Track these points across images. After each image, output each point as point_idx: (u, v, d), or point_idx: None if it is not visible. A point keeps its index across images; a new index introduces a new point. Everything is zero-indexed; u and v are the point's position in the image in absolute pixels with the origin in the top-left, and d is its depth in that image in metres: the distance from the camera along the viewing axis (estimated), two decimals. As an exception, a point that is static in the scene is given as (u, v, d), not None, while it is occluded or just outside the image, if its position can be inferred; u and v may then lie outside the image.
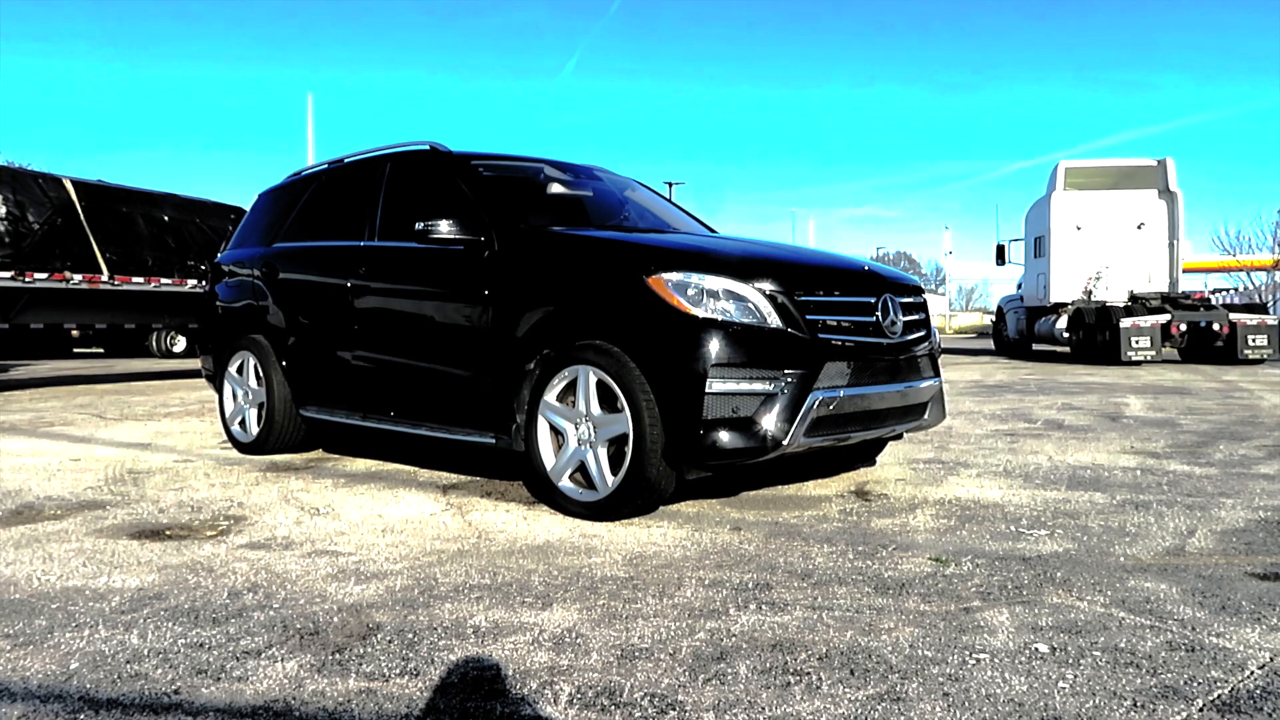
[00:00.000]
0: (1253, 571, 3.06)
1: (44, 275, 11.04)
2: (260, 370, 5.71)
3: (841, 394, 3.83)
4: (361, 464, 5.42)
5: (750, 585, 2.94)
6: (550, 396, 4.03)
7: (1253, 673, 2.21)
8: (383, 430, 5.01)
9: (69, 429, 7.35)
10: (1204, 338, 16.39)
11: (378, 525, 3.84)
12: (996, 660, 2.29)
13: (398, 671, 2.26)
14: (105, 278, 11.84)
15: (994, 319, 25.37)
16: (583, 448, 3.93)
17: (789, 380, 3.69)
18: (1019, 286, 23.69)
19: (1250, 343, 15.99)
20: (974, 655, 2.33)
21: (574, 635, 2.50)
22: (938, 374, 4.49)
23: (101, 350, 23.18)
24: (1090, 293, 18.37)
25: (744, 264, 3.90)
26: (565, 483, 4.00)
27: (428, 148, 5.10)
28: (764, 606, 2.73)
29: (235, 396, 5.98)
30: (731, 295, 3.73)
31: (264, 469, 5.30)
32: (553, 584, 2.97)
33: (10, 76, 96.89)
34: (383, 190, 5.18)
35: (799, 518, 3.92)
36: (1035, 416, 7.79)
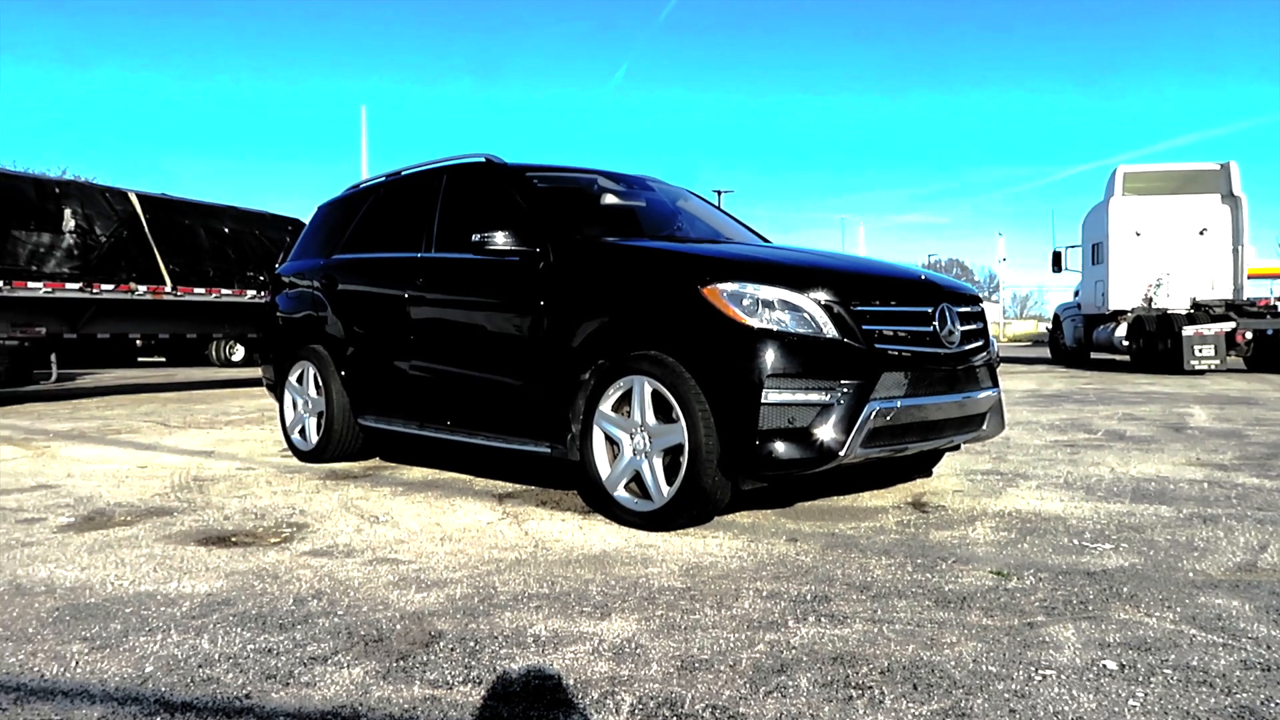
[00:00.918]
0: (1329, 588, 2.97)
1: (110, 286, 11.35)
2: (320, 380, 5.82)
3: (899, 405, 3.79)
4: (418, 472, 5.49)
5: (809, 597, 2.93)
6: (605, 406, 4.05)
7: (1332, 693, 2.15)
8: (439, 439, 5.07)
9: (135, 436, 7.54)
10: (1271, 346, 15.94)
11: (436, 533, 3.89)
12: (1063, 677, 2.26)
13: (460, 679, 2.29)
14: (168, 289, 12.14)
15: (1050, 327, 24.96)
16: (638, 458, 3.94)
17: (845, 391, 3.67)
18: (1076, 294, 23.26)
19: (1319, 351, 15.52)
20: (1040, 671, 2.29)
21: (633, 645, 2.51)
22: (996, 384, 4.43)
23: (164, 359, 23.76)
24: (1151, 300, 17.98)
25: (799, 273, 3.89)
26: (620, 492, 4.01)
27: (483, 160, 5.17)
28: (823, 619, 2.72)
29: (295, 405, 6.10)
30: (787, 305, 3.72)
31: (323, 477, 5.39)
32: (611, 594, 2.99)
33: (77, 91, 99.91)
34: (439, 202, 5.26)
35: (855, 529, 3.89)
36: (1095, 427, 7.64)
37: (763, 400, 3.59)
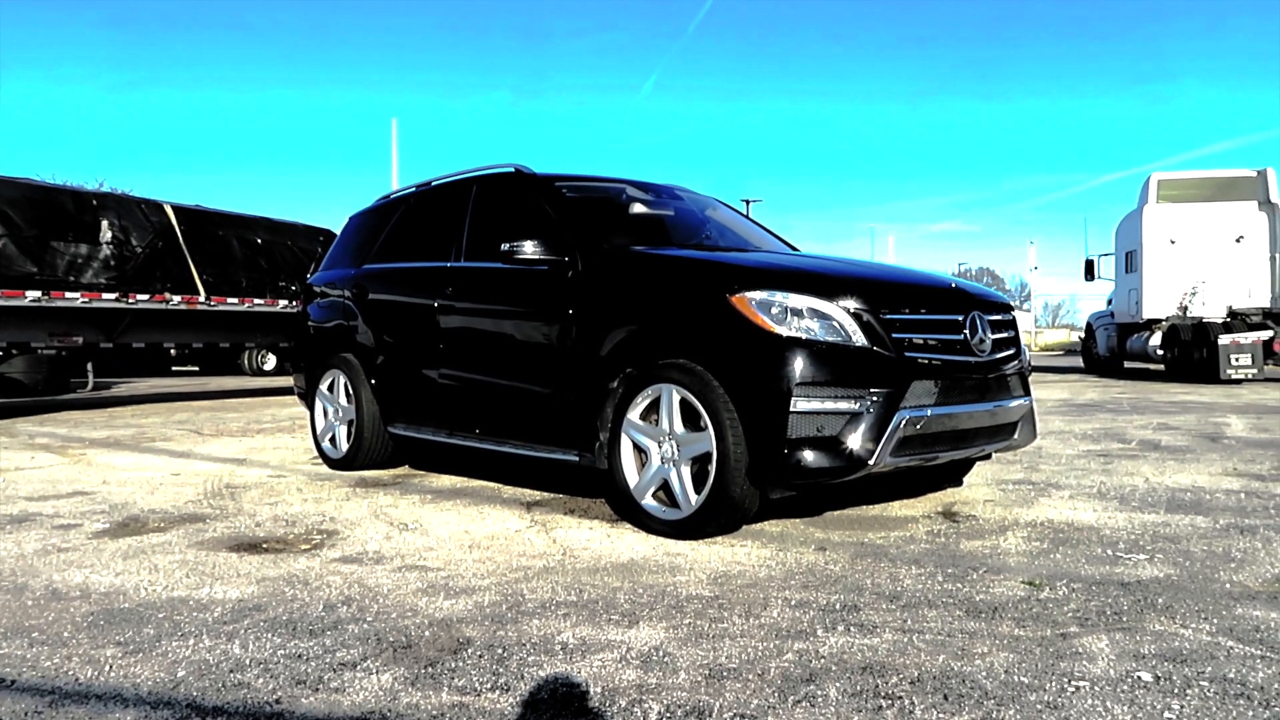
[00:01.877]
0: (1371, 601, 2.91)
1: (145, 296, 11.51)
2: (350, 388, 5.87)
3: (929, 413, 3.77)
4: (447, 480, 5.51)
5: (838, 606, 2.91)
6: (634, 415, 4.05)
7: (1375, 708, 2.10)
8: (467, 447, 5.09)
9: (169, 444, 7.64)
10: (1309, 355, 15.67)
11: (464, 541, 3.90)
12: (1097, 688, 2.22)
13: (489, 686, 2.29)
14: (202, 298, 12.29)
15: (1083, 336, 24.68)
16: (666, 466, 3.94)
17: (875, 399, 3.65)
18: (1109, 303, 22.98)
19: (1360, 360, 15.24)
20: (1073, 683, 2.26)
21: (661, 654, 2.50)
22: (1028, 393, 4.39)
23: (196, 368, 24.06)
24: (1186, 309, 17.72)
25: (828, 282, 3.88)
26: (648, 501, 4.01)
27: (512, 170, 5.20)
28: (852, 628, 2.70)
29: (326, 414, 6.15)
30: (816, 314, 3.71)
31: (353, 484, 5.43)
32: (638, 602, 2.98)
33: (115, 106, 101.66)
34: (469, 212, 5.30)
35: (885, 538, 3.86)
36: (1129, 436, 7.54)
37: (791, 408, 3.57)
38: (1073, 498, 4.75)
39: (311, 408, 6.33)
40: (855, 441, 3.62)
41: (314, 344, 6.40)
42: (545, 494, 4.98)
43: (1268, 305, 17.36)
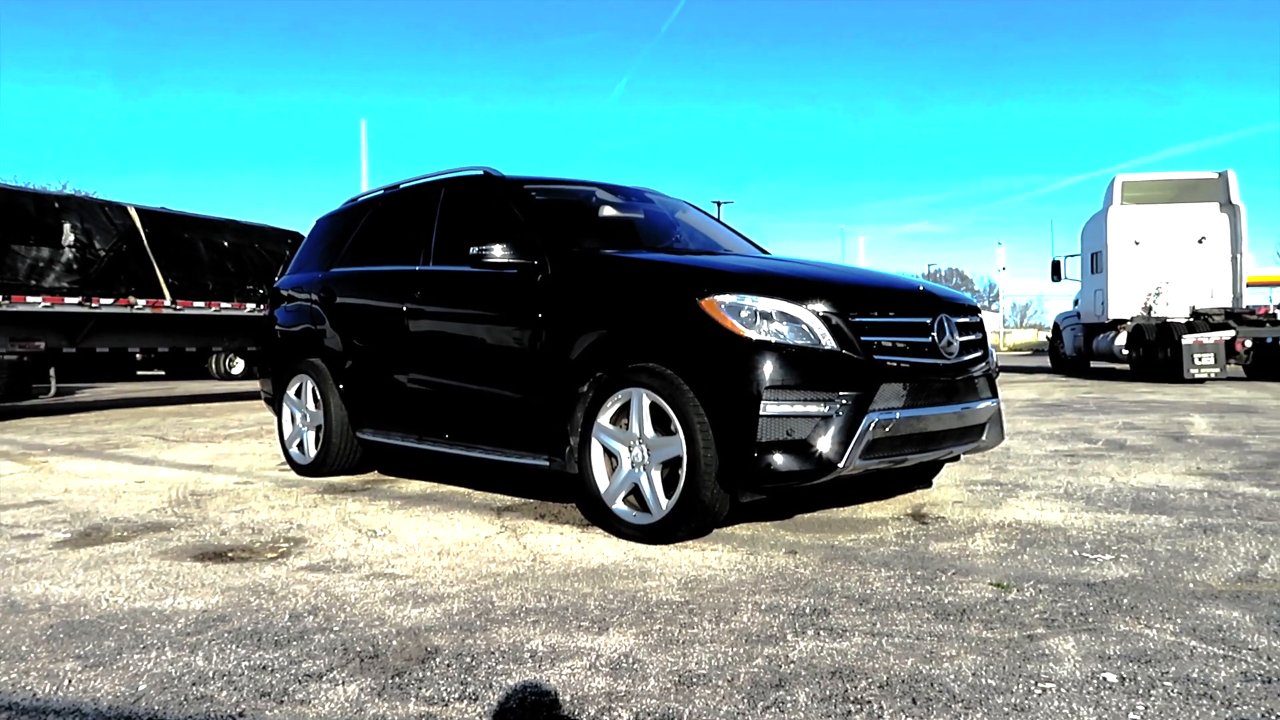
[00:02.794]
0: (1330, 599, 2.95)
1: (109, 300, 11.35)
2: (318, 393, 5.81)
3: (898, 416, 3.78)
4: (416, 486, 5.47)
5: (807, 610, 2.91)
6: (604, 419, 4.04)
7: (1334, 706, 2.13)
8: (437, 453, 5.06)
9: (133, 450, 7.53)
10: (1270, 354, 15.94)
11: (434, 547, 3.87)
12: (1063, 690, 2.24)
13: (457, 696, 2.27)
14: (167, 302, 12.14)
15: (1050, 336, 24.95)
16: (636, 470, 3.93)
17: (844, 402, 3.66)
18: (1076, 303, 23.26)
19: (1320, 359, 15.51)
20: (1039, 685, 2.28)
21: (631, 661, 2.49)
22: (995, 395, 4.42)
23: (163, 372, 23.74)
24: (1150, 309, 17.98)
25: (797, 285, 3.89)
26: (619, 505, 4.00)
27: (481, 173, 5.17)
28: (822, 632, 2.70)
29: (294, 419, 6.09)
30: (785, 317, 3.71)
31: (321, 491, 5.37)
32: (608, 608, 2.97)
33: (76, 107, 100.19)
34: (437, 215, 5.26)
35: (855, 541, 3.88)
36: (1095, 436, 7.63)
37: (761, 412, 3.58)
38: (1040, 498, 4.79)
39: (279, 413, 6.26)
40: (825, 444, 3.63)
41: (281, 348, 6.33)
42: (516, 499, 4.96)
43: (1229, 305, 17.64)
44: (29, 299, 10.51)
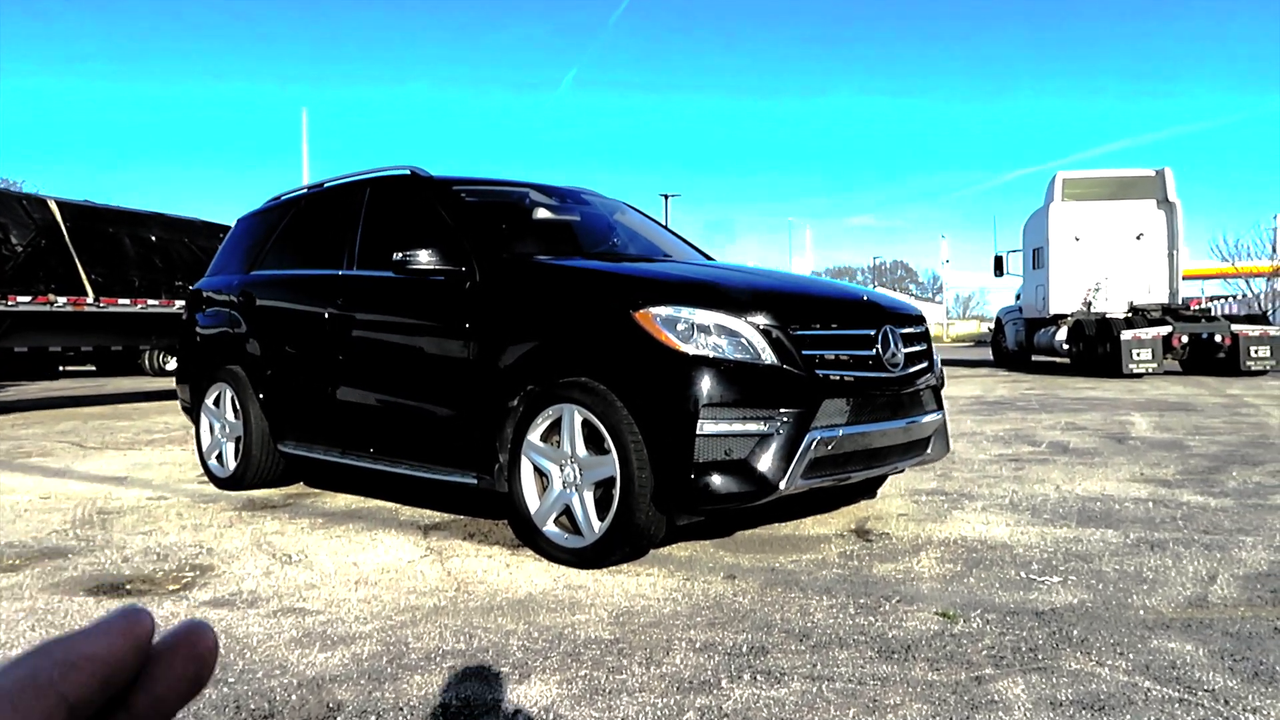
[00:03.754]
0: (1283, 627, 2.85)
1: (27, 299, 10.83)
2: (237, 403, 5.51)
3: (840, 433, 3.62)
4: (342, 500, 5.21)
5: (745, 649, 2.74)
6: (534, 436, 3.83)
7: (1297, 761, 2.00)
8: (361, 468, 4.80)
9: (46, 460, 7.13)
10: (1206, 349, 16.19)
11: (351, 575, 3.63)
12: (1014, 746, 2.09)
13: (355, 766, 2.05)
14: (90, 300, 11.63)
15: (993, 330, 25.20)
16: (568, 490, 3.73)
17: (785, 420, 3.49)
18: (1018, 298, 23.52)
19: (1253, 354, 15.79)
20: (989, 740, 2.12)
21: (551, 717, 2.29)
22: (941, 407, 4.29)
23: (94, 368, 22.94)
24: (1090, 304, 18.20)
25: (737, 295, 3.71)
26: (550, 527, 3.80)
27: (408, 172, 4.91)
28: (759, 676, 2.52)
29: (212, 430, 5.77)
30: (724, 330, 3.53)
31: (240, 507, 5.09)
32: (532, 649, 2.77)
33: (4, 96, 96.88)
34: (362, 216, 4.99)
35: (796, 563, 3.71)
36: (1039, 438, 7.58)
37: (698, 431, 3.39)
38: (985, 509, 4.68)
39: (197, 423, 5.93)
40: (765, 465, 3.45)
41: (199, 355, 6.00)
42: (446, 515, 4.72)
43: (1166, 301, 17.92)
44: (-61, 298, 9.98)
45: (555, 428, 3.79)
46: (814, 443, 3.54)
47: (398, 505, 5.00)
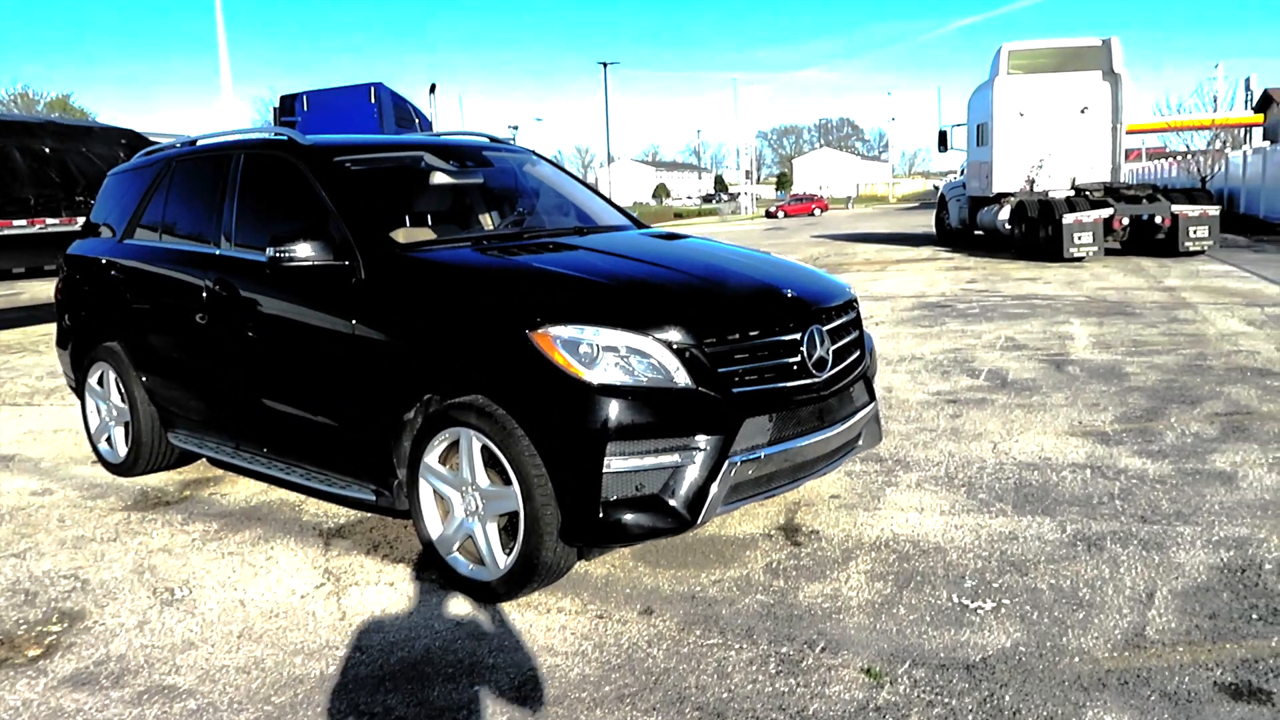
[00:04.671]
0: (1222, 682, 2.69)
1: (-94, 227, 10.03)
2: (122, 385, 5.06)
3: (762, 454, 3.33)
4: (244, 491, 4.86)
5: (652, 744, 2.51)
6: (431, 459, 3.49)
7: None
8: (255, 471, 4.44)
9: (-70, 428, 6.63)
10: (1146, 230, 16.10)
11: (236, 623, 3.33)
12: None
13: None
14: (-21, 224, 10.82)
15: (936, 206, 24.95)
16: (470, 520, 3.43)
17: (701, 448, 3.18)
18: (961, 173, 23.21)
19: (1191, 234, 15.76)
20: None
21: None
22: (873, 397, 4.00)
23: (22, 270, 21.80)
24: (1033, 181, 17.97)
25: (647, 306, 3.34)
26: (454, 555, 3.51)
27: (285, 139, 4.38)
28: (665, 795, 2.30)
29: (99, 411, 5.33)
30: (632, 351, 3.18)
31: (131, 504, 4.73)
32: (420, 754, 2.51)
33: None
34: (236, 188, 4.46)
35: (719, 584, 3.49)
36: (978, 365, 7.41)
37: (605, 469, 3.08)
38: (920, 486, 4.49)
39: (83, 402, 5.48)
40: (680, 499, 3.17)
41: (78, 328, 5.49)
42: (351, 515, 4.42)
43: (1108, 180, 17.74)
44: None
45: (455, 448, 3.45)
46: (734, 469, 3.25)
47: (301, 500, 4.67)
